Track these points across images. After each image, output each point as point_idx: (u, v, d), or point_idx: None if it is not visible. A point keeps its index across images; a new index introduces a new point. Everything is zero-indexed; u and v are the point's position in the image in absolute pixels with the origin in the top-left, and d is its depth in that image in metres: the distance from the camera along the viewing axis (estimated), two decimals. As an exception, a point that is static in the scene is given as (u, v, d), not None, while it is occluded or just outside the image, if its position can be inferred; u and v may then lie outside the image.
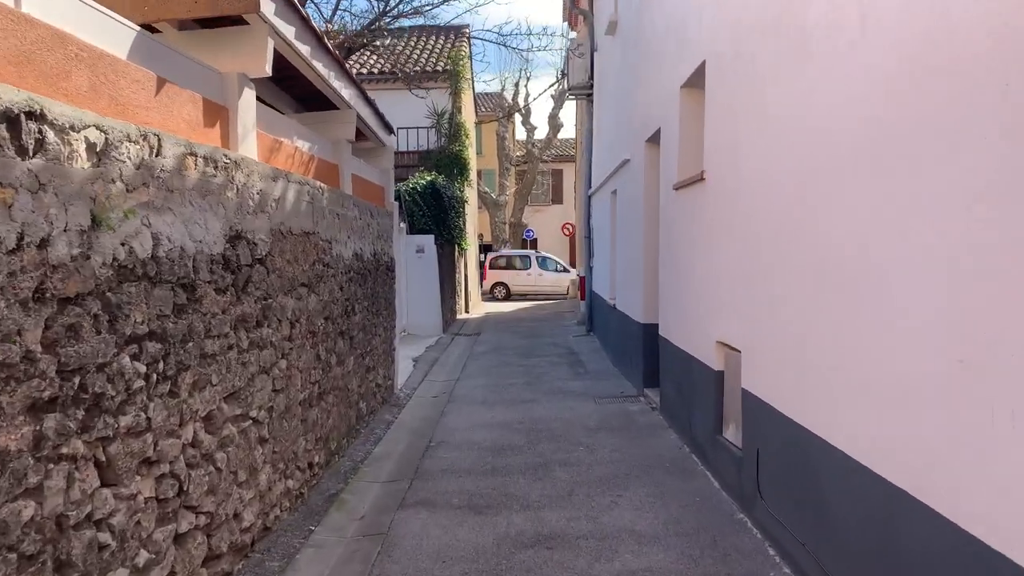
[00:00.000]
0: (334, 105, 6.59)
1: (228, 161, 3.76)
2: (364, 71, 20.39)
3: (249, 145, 4.30)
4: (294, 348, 4.77)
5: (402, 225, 14.40)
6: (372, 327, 7.34)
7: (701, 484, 5.12)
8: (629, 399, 8.04)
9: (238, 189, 3.87)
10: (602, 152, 12.33)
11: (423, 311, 14.69)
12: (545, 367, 10.60)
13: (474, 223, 25.17)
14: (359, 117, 7.03)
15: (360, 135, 8.34)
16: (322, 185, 5.49)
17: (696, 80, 5.78)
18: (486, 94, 34.19)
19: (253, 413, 4.07)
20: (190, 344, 3.30)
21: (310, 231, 5.12)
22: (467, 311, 20.79)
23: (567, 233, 30.33)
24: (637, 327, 8.25)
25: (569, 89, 13.85)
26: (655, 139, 7.41)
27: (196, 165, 3.41)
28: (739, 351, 4.50)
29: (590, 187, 14.11)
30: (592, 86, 13.37)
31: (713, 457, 5.14)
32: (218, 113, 4.04)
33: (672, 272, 6.51)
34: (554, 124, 28.22)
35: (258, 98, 5.83)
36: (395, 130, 9.18)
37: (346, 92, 6.22)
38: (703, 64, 5.37)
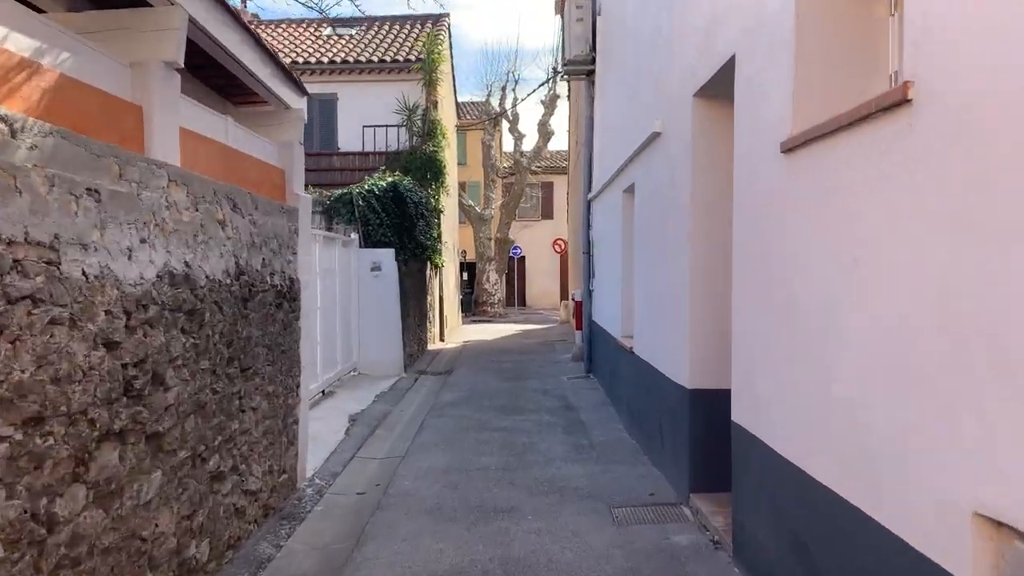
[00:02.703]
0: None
1: None
2: (324, 60, 17.45)
3: None
4: None
5: (352, 236, 11.37)
6: (234, 399, 4.26)
7: None
8: (667, 512, 4.95)
9: None
10: (609, 140, 9.33)
11: (379, 345, 11.59)
12: (533, 432, 7.52)
13: (454, 237, 22.18)
14: (206, 34, 3.99)
15: (244, 91, 5.31)
16: (8, 114, 2.43)
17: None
18: (471, 103, 31.53)
19: None
20: None
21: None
22: (442, 339, 17.68)
23: (558, 250, 27.30)
24: (678, 392, 5.19)
25: (565, 64, 10.90)
26: (717, 85, 4.42)
27: None
28: None
29: (590, 189, 11.11)
30: (594, 60, 10.43)
31: None
32: None
33: (779, 316, 3.47)
34: (544, 132, 25.37)
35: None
36: (308, 92, 6.17)
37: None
38: None
